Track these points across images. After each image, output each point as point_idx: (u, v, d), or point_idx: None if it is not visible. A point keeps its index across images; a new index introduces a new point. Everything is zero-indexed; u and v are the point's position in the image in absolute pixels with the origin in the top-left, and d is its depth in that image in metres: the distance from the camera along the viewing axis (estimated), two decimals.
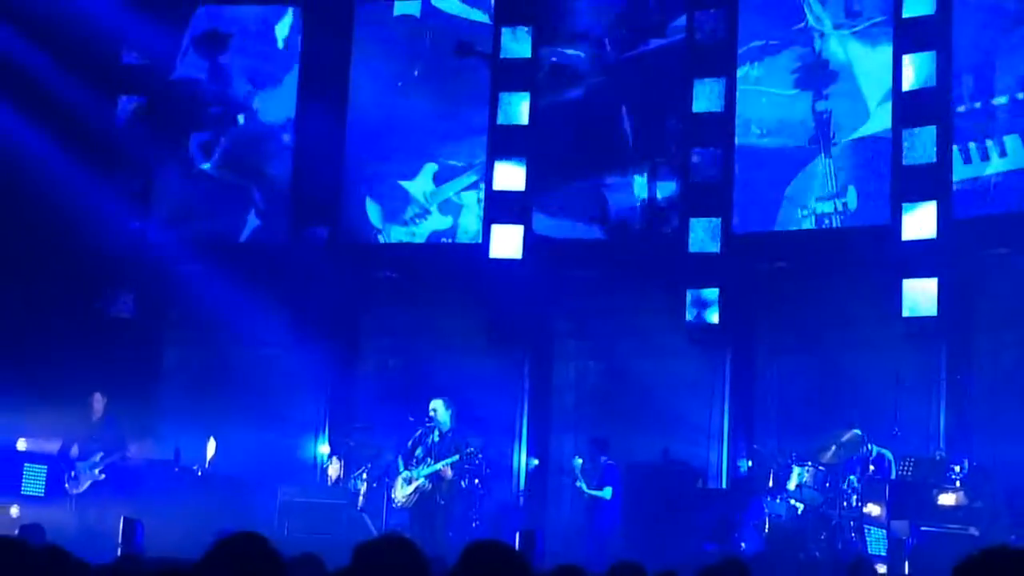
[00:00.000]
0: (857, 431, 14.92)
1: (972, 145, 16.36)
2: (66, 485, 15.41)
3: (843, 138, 17.50)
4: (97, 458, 15.31)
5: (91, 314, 18.69)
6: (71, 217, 18.38)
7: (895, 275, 16.40)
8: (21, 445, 15.04)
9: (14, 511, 16.05)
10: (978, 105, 16.42)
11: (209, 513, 14.80)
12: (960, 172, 16.40)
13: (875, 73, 17.37)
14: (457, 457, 14.58)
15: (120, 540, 12.50)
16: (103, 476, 15.31)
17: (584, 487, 15.72)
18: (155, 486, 16.44)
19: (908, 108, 16.75)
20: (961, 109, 16.51)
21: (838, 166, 17.46)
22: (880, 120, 17.21)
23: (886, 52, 17.18)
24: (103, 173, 18.96)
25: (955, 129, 16.45)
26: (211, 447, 17.19)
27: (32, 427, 15.38)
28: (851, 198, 17.37)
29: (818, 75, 17.74)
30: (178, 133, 19.99)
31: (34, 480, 15.50)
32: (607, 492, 15.61)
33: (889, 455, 14.83)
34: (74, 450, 15.32)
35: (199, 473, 16.98)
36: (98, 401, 15.64)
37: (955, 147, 16.41)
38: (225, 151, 19.93)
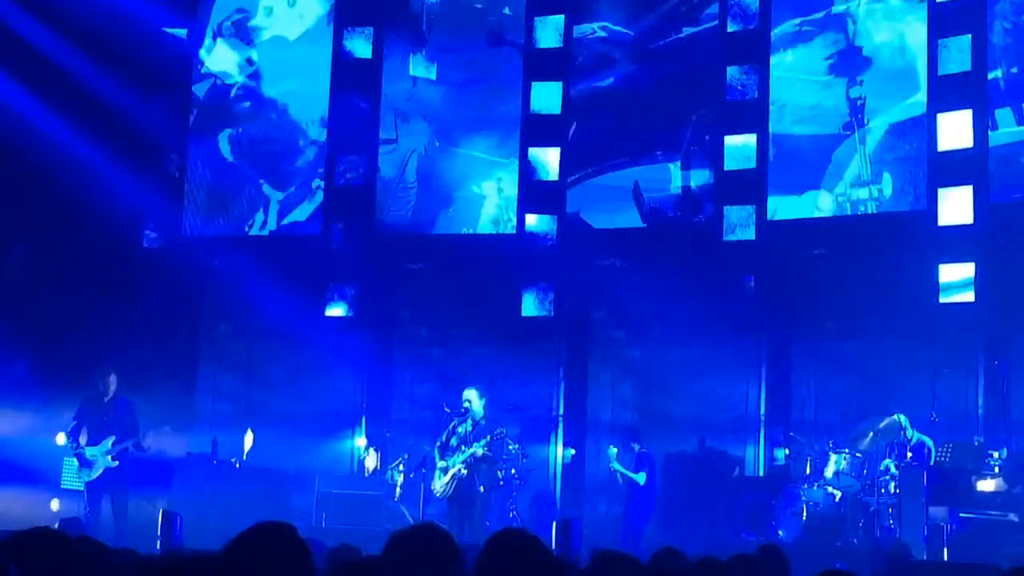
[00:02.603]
0: (895, 418, 14.85)
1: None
2: (78, 474, 14.99)
3: (877, 124, 17.41)
4: (109, 443, 14.76)
5: (123, 308, 18.75)
6: (106, 211, 18.49)
7: (931, 261, 16.30)
8: (60, 440, 15.00)
9: (54, 505, 16.17)
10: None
11: (247, 505, 14.82)
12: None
13: (909, 58, 17.26)
14: (489, 438, 14.62)
15: (160, 533, 12.57)
16: (116, 463, 14.73)
17: (619, 468, 15.69)
18: (193, 479, 16.51)
19: (943, 92, 16.63)
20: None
21: (873, 152, 17.37)
22: (915, 105, 17.11)
23: (920, 36, 17.07)
24: (139, 166, 19.05)
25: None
26: (249, 440, 17.24)
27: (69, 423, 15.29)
28: (886, 184, 17.27)
29: (852, 61, 17.65)
30: (209, 126, 20.06)
31: (73, 474, 15.45)
32: (641, 477, 15.59)
33: (929, 442, 14.75)
34: (83, 437, 14.78)
35: (237, 466, 17.05)
36: (112, 383, 14.96)
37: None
38: (255, 144, 19.97)
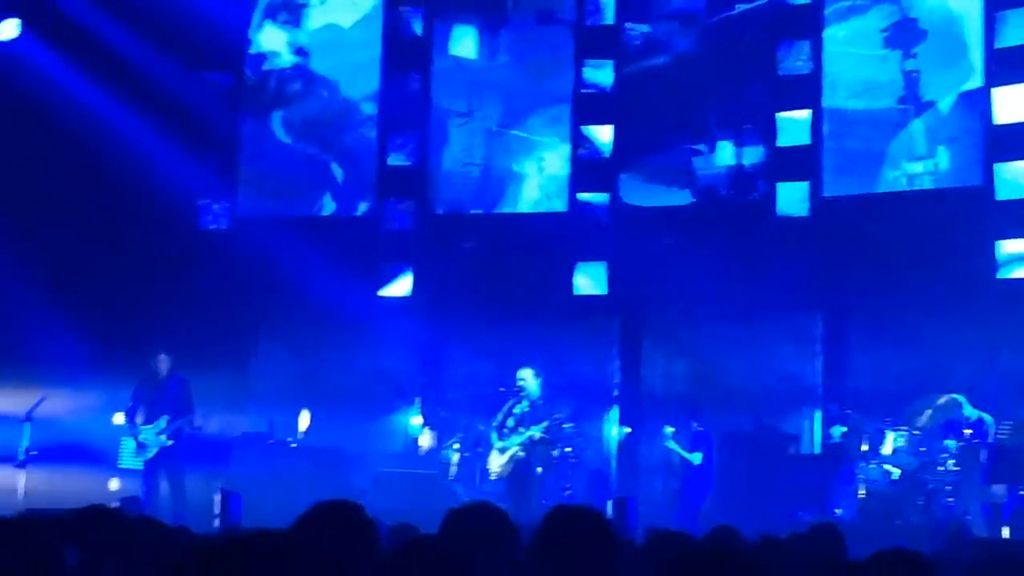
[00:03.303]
0: (955, 396, 14.74)
1: None
2: (134, 453, 15.13)
3: (933, 98, 17.22)
4: (163, 422, 14.89)
5: (181, 290, 18.89)
6: (162, 192, 18.63)
7: (989, 236, 16.14)
8: (118, 419, 15.12)
9: (113, 484, 16.33)
10: None
11: (303, 485, 14.93)
12: None
13: (966, 30, 17.06)
14: (547, 423, 14.62)
15: (218, 512, 12.66)
16: (171, 442, 14.87)
17: (675, 447, 15.67)
18: (250, 458, 16.62)
19: (1001, 65, 16.44)
20: None
21: (929, 126, 17.20)
22: (972, 78, 16.92)
23: (977, 7, 16.87)
24: (190, 148, 19.16)
25: None
26: (304, 419, 17.33)
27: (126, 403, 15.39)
28: (942, 158, 17.10)
29: (907, 34, 17.46)
30: (261, 107, 20.13)
31: (130, 454, 15.58)
32: (697, 457, 15.55)
33: (988, 419, 14.63)
34: (139, 416, 14.93)
35: (293, 445, 17.14)
36: (163, 361, 15.16)
37: None
38: (308, 125, 20.02)
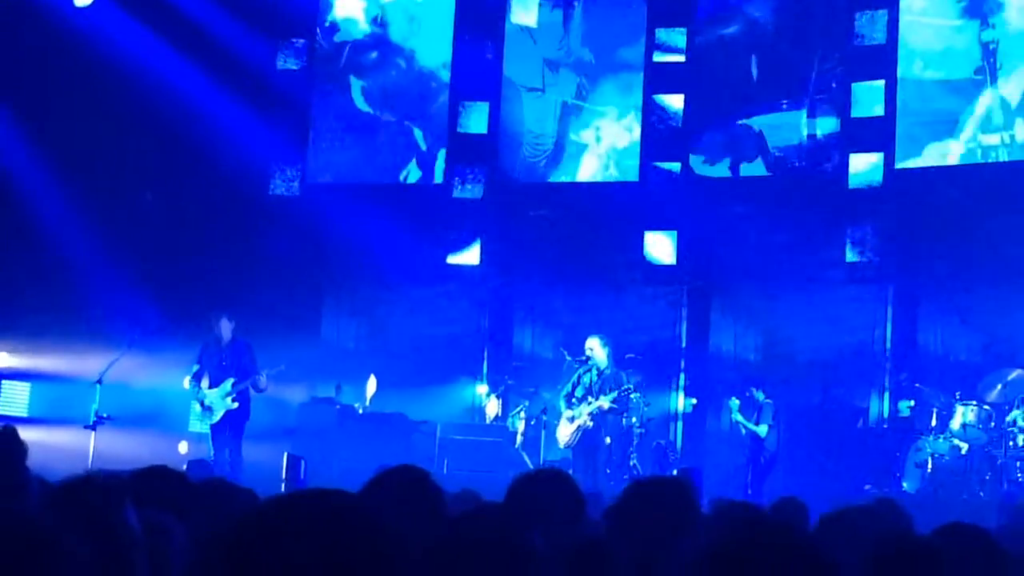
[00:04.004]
0: None
1: None
2: (200, 417, 15.24)
3: (1011, 68, 16.98)
4: (228, 385, 14.90)
5: (251, 255, 19.03)
6: (233, 161, 18.77)
7: None
8: (185, 384, 15.25)
9: (182, 447, 16.51)
10: None
11: (369, 451, 14.99)
12: None
13: None
14: (616, 393, 14.61)
15: (284, 476, 12.78)
16: (236, 404, 14.88)
17: (741, 420, 15.62)
18: (317, 423, 16.74)
19: None
20: None
21: (1006, 98, 16.96)
22: None
23: None
24: (264, 117, 19.27)
25: None
26: (372, 385, 17.42)
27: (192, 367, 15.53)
28: (1019, 130, 16.86)
29: (985, 4, 17.21)
30: (337, 76, 20.19)
31: (198, 417, 15.72)
32: (763, 429, 15.48)
33: None
34: (204, 381, 14.99)
35: (360, 411, 17.24)
36: (225, 326, 15.11)
37: None
38: (387, 94, 20.04)
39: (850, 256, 17.36)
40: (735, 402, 15.80)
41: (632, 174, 19.06)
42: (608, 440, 14.86)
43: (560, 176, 19.43)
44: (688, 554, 2.65)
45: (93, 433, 14.39)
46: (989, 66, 17.11)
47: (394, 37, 20.14)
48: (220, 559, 2.13)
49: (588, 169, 19.30)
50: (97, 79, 18.59)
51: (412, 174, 19.82)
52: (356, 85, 20.14)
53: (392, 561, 2.14)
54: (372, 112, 20.09)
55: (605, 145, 19.21)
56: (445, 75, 19.77)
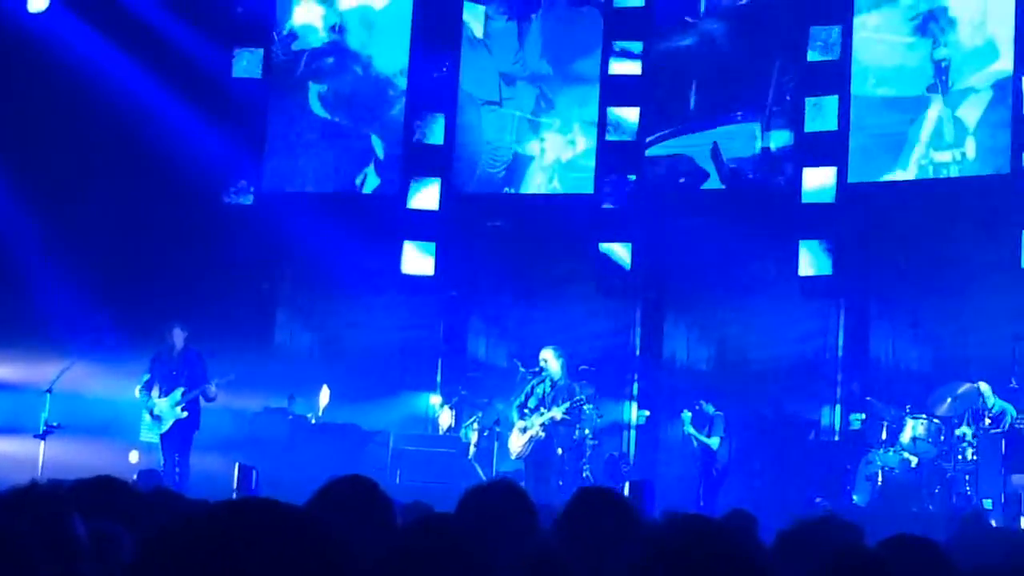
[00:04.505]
0: (977, 385, 14.68)
1: None
2: (151, 426, 15.08)
3: (962, 86, 17.14)
4: (178, 394, 14.84)
5: (204, 263, 18.93)
6: (188, 169, 18.66)
7: (1015, 226, 16.05)
8: (136, 393, 15.15)
9: (133, 457, 16.39)
10: None
11: (322, 461, 14.95)
12: None
13: (997, 19, 16.95)
14: (569, 404, 14.62)
15: (235, 486, 12.71)
16: (186, 414, 14.82)
17: (693, 432, 15.67)
18: (269, 434, 16.67)
19: None
20: None
21: (956, 115, 17.11)
22: (1001, 68, 16.82)
23: None
24: (219, 125, 19.18)
25: None
26: (324, 396, 17.37)
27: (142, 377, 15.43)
28: (970, 148, 17.02)
29: (937, 22, 17.37)
30: (293, 84, 20.12)
31: (148, 427, 15.61)
32: (714, 442, 15.55)
33: (1011, 410, 14.56)
34: (155, 390, 14.90)
35: (313, 421, 17.18)
36: (177, 336, 15.06)
37: None
38: (342, 100, 19.99)
39: (803, 269, 17.45)
40: (687, 414, 15.86)
41: (577, 186, 19.09)
42: (560, 451, 14.87)
43: (517, 188, 19.45)
44: (630, 561, 2.66)
45: (43, 442, 14.27)
46: (941, 83, 17.27)
47: (352, 44, 20.10)
48: (155, 564, 2.12)
49: (536, 182, 19.32)
50: (50, 85, 18.46)
51: (369, 180, 19.77)
52: (313, 91, 20.08)
53: (331, 568, 2.13)
54: (329, 118, 20.03)
55: (550, 157, 19.24)
56: (402, 82, 19.74)
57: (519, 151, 19.39)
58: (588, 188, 18.95)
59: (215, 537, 2.12)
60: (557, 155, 19.24)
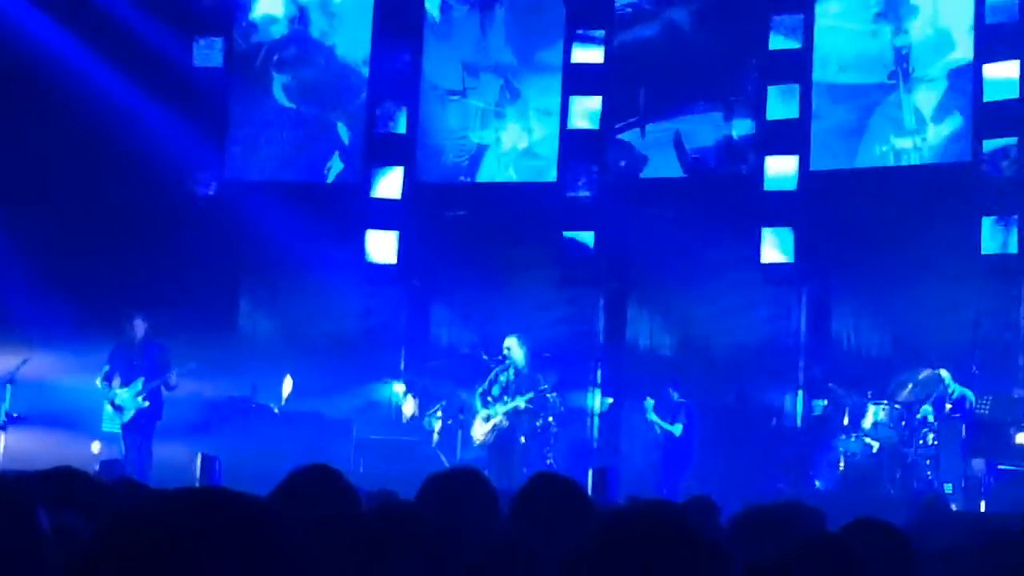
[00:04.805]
0: (937, 371, 14.78)
1: None
2: (112, 417, 15.10)
3: (923, 74, 17.22)
4: (139, 384, 14.83)
5: (167, 254, 18.84)
6: (150, 159, 18.55)
7: (975, 212, 16.16)
8: (97, 384, 15.09)
9: (95, 447, 16.32)
10: None
11: (285, 450, 14.91)
12: None
13: (957, 6, 17.04)
14: (532, 394, 14.65)
15: (198, 476, 12.67)
16: (147, 403, 14.83)
17: (656, 419, 15.72)
18: (232, 423, 16.62)
19: (990, 42, 16.42)
20: None
21: (917, 102, 17.20)
22: (962, 55, 16.91)
23: None
24: (181, 114, 19.08)
25: None
26: (288, 385, 17.35)
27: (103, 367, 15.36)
28: (931, 135, 17.11)
29: (898, 9, 17.45)
30: (256, 73, 20.04)
31: (110, 417, 15.57)
32: (677, 428, 15.61)
33: (971, 395, 14.67)
34: (116, 380, 14.90)
35: (276, 411, 17.15)
36: (139, 326, 15.05)
37: None
38: (306, 88, 19.92)
39: (765, 256, 17.52)
40: (650, 402, 15.91)
41: (534, 175, 19.08)
42: (523, 439, 14.90)
43: (480, 177, 19.43)
44: (589, 545, 2.68)
45: (3, 433, 14.19)
46: (902, 71, 17.35)
47: (314, 33, 20.04)
48: (109, 552, 2.11)
49: (492, 170, 19.30)
50: (8, 75, 18.31)
51: (335, 167, 19.72)
52: (277, 81, 20.01)
53: (283, 558, 2.13)
54: (294, 107, 19.96)
55: (507, 145, 19.22)
56: (365, 71, 19.69)
57: (479, 140, 19.39)
58: (546, 177, 18.96)
59: (169, 526, 2.12)
60: (514, 143, 19.24)
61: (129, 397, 14.77)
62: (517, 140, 19.26)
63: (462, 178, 19.45)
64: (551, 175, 18.94)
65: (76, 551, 2.18)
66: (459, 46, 19.55)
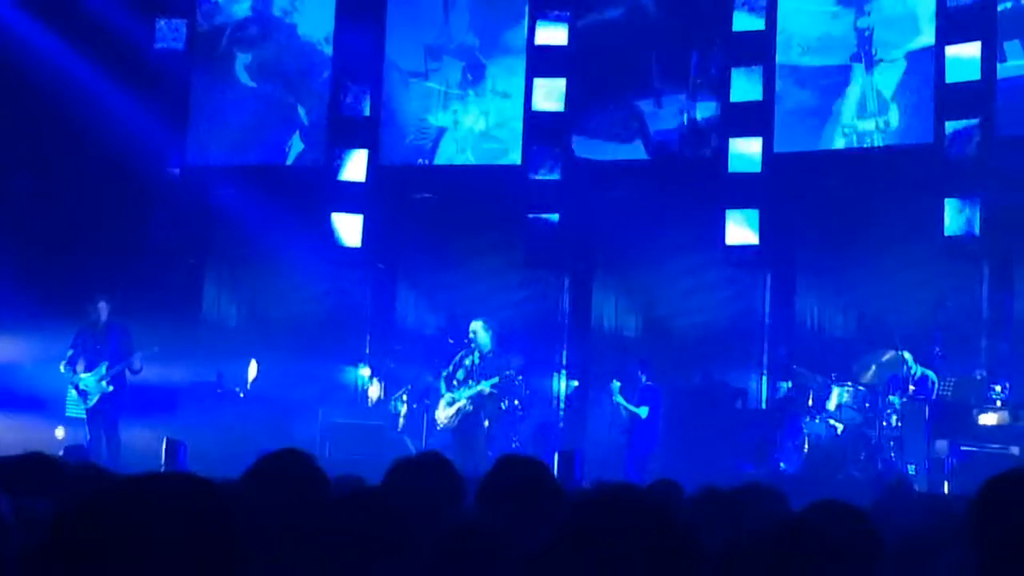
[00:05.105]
0: (901, 352, 14.88)
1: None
2: (77, 401, 15.06)
3: (885, 55, 17.27)
4: (103, 368, 14.81)
5: (129, 237, 18.75)
6: (111, 142, 18.44)
7: (938, 194, 16.24)
8: (61, 369, 15.03)
9: (59, 433, 16.26)
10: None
11: (251, 435, 14.90)
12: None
13: None
14: (497, 379, 14.67)
15: (163, 461, 12.65)
16: (112, 388, 14.81)
17: (622, 402, 15.75)
18: (197, 408, 16.58)
19: (952, 24, 16.48)
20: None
21: (880, 84, 17.26)
22: (924, 36, 16.97)
23: None
24: (142, 96, 18.96)
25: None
26: (253, 369, 17.31)
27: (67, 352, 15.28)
28: (893, 116, 17.17)
29: None
30: (217, 54, 19.92)
31: (74, 402, 15.51)
32: (644, 411, 15.65)
33: (932, 376, 14.79)
34: (80, 365, 14.86)
35: (241, 395, 17.11)
36: (102, 309, 15.01)
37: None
38: (268, 68, 19.81)
39: (729, 238, 17.56)
40: (616, 384, 15.95)
41: (491, 157, 19.05)
42: (487, 423, 14.91)
43: (438, 160, 19.37)
44: (554, 528, 2.69)
45: None
46: (864, 53, 17.40)
47: (276, 12, 19.92)
48: (70, 536, 2.12)
49: (450, 153, 19.24)
50: None
51: (295, 148, 19.63)
52: (240, 61, 19.89)
53: (233, 542, 2.14)
54: (254, 86, 19.85)
55: (464, 127, 19.19)
56: (328, 49, 19.58)
57: (437, 123, 19.34)
58: (504, 159, 18.94)
59: (126, 512, 2.12)
60: (471, 126, 19.20)
61: (93, 382, 14.71)
62: (475, 123, 19.22)
63: (421, 160, 19.37)
64: (510, 158, 18.90)
65: (36, 536, 2.18)
66: (421, 27, 19.49)
